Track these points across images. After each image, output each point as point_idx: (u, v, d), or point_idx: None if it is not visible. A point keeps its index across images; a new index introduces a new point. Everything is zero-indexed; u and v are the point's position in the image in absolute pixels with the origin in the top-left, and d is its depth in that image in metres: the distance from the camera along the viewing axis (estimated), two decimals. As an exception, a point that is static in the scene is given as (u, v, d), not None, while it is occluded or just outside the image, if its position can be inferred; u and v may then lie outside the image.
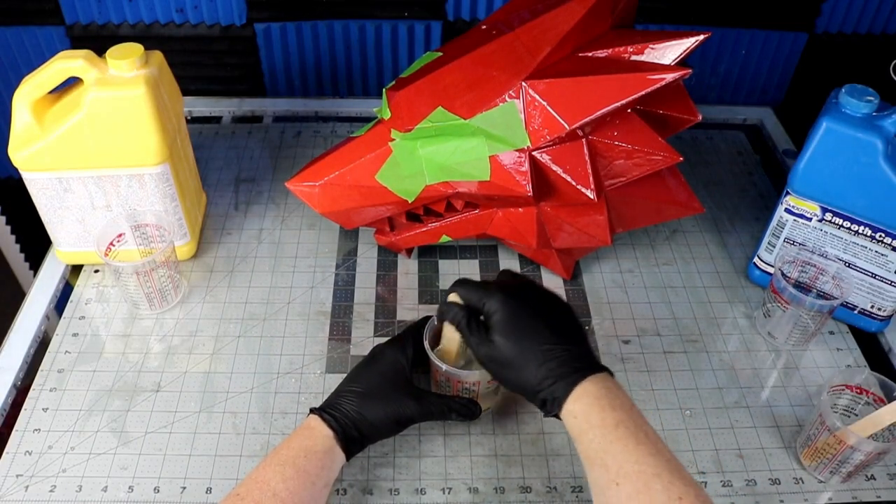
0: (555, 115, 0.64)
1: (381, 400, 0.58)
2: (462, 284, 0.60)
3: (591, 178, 0.66)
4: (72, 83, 0.70)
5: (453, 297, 0.60)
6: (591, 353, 0.56)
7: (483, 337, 0.57)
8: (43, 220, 0.75)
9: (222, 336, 0.73)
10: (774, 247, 0.76)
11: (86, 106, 0.66)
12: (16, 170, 0.69)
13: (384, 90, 0.72)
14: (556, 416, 0.53)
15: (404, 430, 0.61)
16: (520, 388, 0.55)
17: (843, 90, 0.67)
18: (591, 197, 0.66)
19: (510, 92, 0.64)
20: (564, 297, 0.78)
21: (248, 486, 0.52)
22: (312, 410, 0.58)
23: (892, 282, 0.70)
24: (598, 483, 0.48)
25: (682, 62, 0.66)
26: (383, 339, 0.72)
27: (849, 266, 0.72)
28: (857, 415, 0.64)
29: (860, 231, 0.69)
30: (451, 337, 0.61)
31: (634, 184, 0.71)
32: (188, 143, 0.79)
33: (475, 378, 0.61)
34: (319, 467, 0.54)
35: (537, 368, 0.53)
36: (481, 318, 0.58)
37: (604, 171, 0.69)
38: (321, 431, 0.56)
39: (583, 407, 0.51)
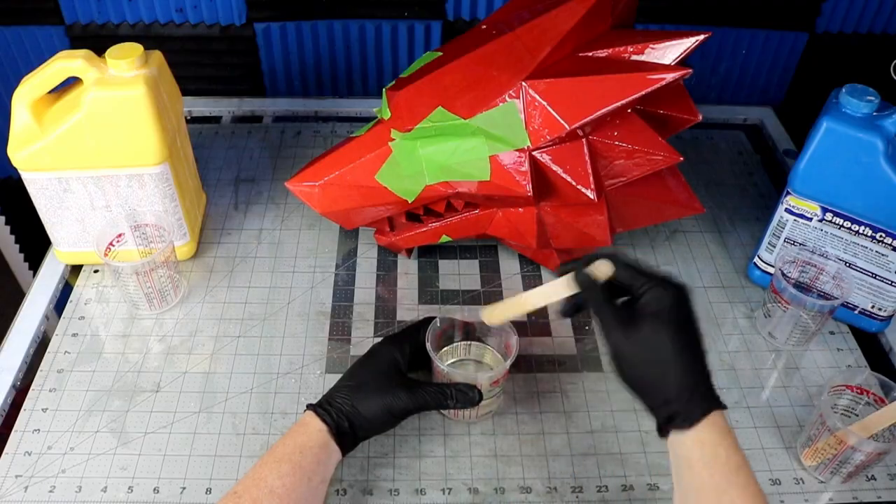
0: (555, 115, 0.64)
1: (374, 392, 0.58)
2: (618, 260, 0.55)
3: (591, 179, 0.66)
4: (71, 83, 0.70)
5: (598, 269, 0.55)
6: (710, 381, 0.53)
7: (624, 323, 0.52)
8: (42, 220, 0.74)
9: (222, 336, 0.73)
10: (775, 247, 0.75)
11: (85, 106, 0.66)
12: (15, 170, 0.69)
13: (384, 90, 0.72)
14: (664, 435, 0.52)
15: (404, 429, 0.61)
16: (648, 393, 0.52)
17: (844, 90, 0.67)
18: (592, 197, 0.66)
19: (510, 92, 0.64)
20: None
21: (246, 484, 0.52)
22: (308, 407, 0.58)
23: (892, 282, 0.70)
24: None
25: (683, 62, 0.66)
26: (383, 340, 0.73)
27: (849, 266, 0.71)
28: (857, 415, 0.64)
29: (860, 231, 0.69)
30: (523, 302, 0.58)
31: (635, 184, 0.71)
32: (188, 143, 0.79)
33: (477, 380, 0.61)
34: (315, 462, 0.54)
35: (682, 378, 0.50)
36: (619, 301, 0.55)
37: (604, 172, 0.69)
38: (315, 426, 0.55)
39: (714, 437, 0.49)
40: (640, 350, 0.52)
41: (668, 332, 0.51)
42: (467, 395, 0.59)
